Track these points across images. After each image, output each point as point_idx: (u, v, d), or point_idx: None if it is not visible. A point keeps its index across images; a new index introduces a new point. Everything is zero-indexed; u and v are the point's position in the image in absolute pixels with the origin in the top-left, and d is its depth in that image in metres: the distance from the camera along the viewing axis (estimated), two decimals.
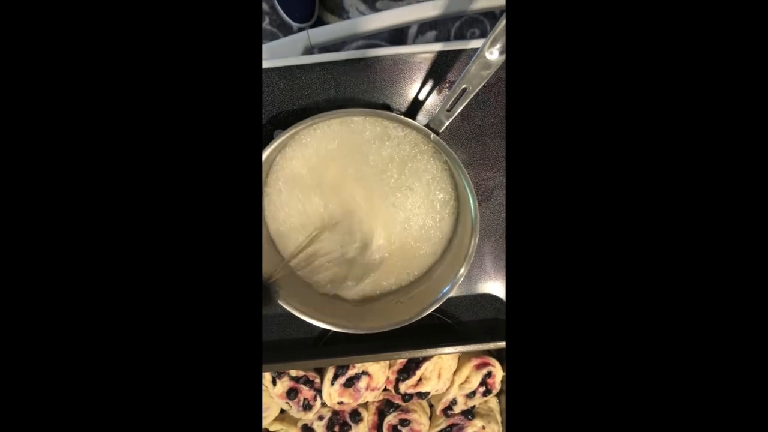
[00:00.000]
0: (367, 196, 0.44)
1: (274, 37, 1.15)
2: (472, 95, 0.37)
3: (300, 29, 1.15)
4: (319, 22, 1.15)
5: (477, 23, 1.11)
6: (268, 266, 0.44)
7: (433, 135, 0.38)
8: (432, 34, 1.11)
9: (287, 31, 1.15)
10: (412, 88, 0.46)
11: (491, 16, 1.10)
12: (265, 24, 1.15)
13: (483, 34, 1.12)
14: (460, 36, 1.11)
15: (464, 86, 0.36)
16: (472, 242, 0.40)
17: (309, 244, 0.44)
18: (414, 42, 1.12)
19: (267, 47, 0.52)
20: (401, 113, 0.46)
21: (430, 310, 0.43)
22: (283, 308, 0.43)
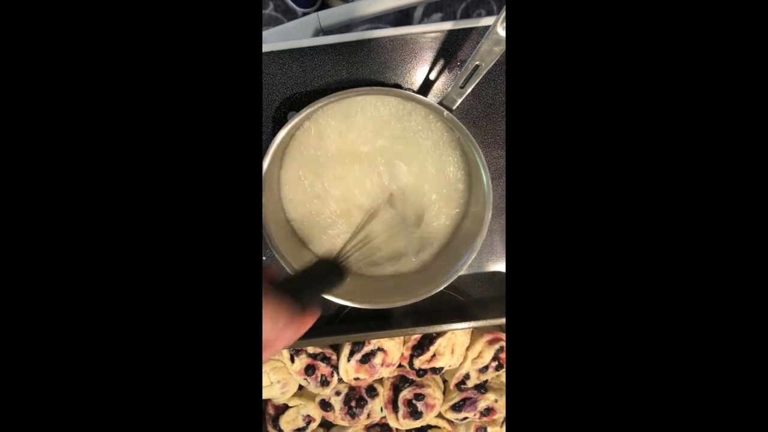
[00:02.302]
0: (383, 175, 0.45)
1: (279, 22, 1.14)
2: (484, 72, 0.37)
3: (305, 14, 1.14)
4: (324, 7, 1.14)
5: (483, 3, 1.10)
6: (288, 248, 0.45)
7: (446, 112, 0.39)
8: (438, 15, 1.11)
9: (292, 16, 1.14)
10: (423, 67, 0.47)
11: None
12: (270, 10, 1.14)
13: (489, 15, 1.11)
14: (466, 16, 1.11)
15: (477, 63, 0.37)
16: (486, 218, 0.41)
17: (361, 228, 0.45)
18: (420, 22, 1.11)
19: (278, 30, 0.52)
20: (413, 92, 0.47)
21: (444, 286, 0.44)
22: None
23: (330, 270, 0.39)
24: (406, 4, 0.56)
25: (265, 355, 0.28)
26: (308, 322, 0.31)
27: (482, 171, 0.40)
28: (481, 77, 0.37)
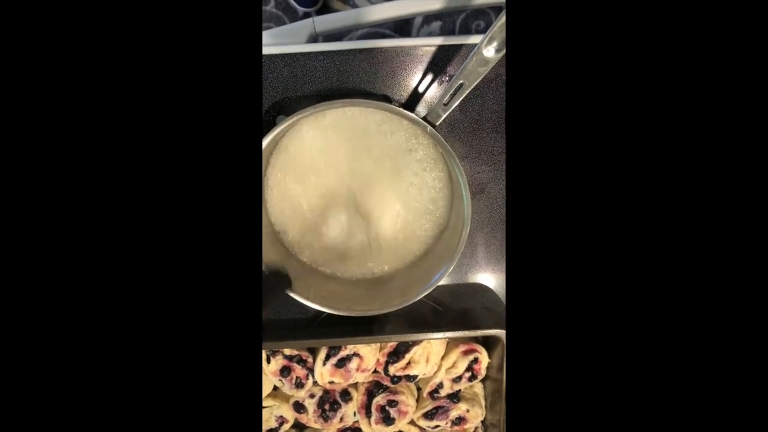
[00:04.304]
0: (365, 184, 0.46)
1: (279, 20, 1.14)
2: (468, 90, 0.38)
3: (305, 14, 1.15)
4: (325, 8, 1.14)
5: (482, 15, 1.11)
6: (271, 253, 0.45)
7: (429, 128, 0.39)
8: (437, 24, 1.12)
9: (293, 15, 1.15)
10: (413, 80, 0.47)
11: (498, 9, 1.10)
12: (270, 7, 1.15)
13: (488, 27, 1.12)
14: (465, 28, 1.12)
15: (461, 81, 0.37)
16: (464, 233, 0.42)
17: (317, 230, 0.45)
18: (419, 32, 1.12)
19: (272, 33, 0.53)
20: (401, 104, 0.47)
21: (421, 296, 0.45)
22: None
23: (275, 283, 0.41)
24: (406, 14, 0.57)
25: None
26: None
27: (462, 187, 0.40)
28: (465, 95, 0.38)
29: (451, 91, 0.38)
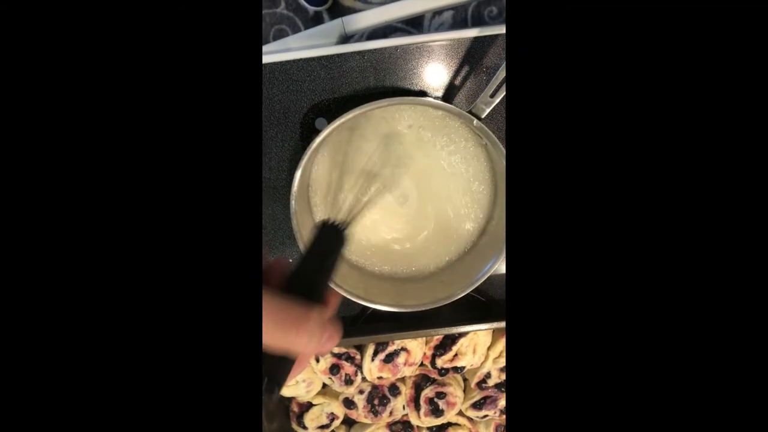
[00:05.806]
0: (409, 178, 0.46)
1: (290, 21, 1.14)
2: None
3: (316, 13, 1.14)
4: (335, 5, 1.14)
5: (495, 1, 1.10)
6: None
7: (476, 121, 0.40)
8: (449, 14, 1.11)
9: (303, 14, 1.15)
10: (449, 74, 0.47)
11: None
12: (281, 9, 1.14)
13: (500, 13, 1.11)
14: (478, 15, 1.10)
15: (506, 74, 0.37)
16: None
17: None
18: (431, 22, 1.11)
19: (302, 36, 0.53)
20: (439, 98, 0.47)
21: (469, 290, 0.45)
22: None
23: (328, 248, 0.32)
24: (432, 8, 0.57)
25: (300, 369, 0.27)
26: (331, 314, 0.30)
27: None
28: None
29: (497, 84, 0.38)
